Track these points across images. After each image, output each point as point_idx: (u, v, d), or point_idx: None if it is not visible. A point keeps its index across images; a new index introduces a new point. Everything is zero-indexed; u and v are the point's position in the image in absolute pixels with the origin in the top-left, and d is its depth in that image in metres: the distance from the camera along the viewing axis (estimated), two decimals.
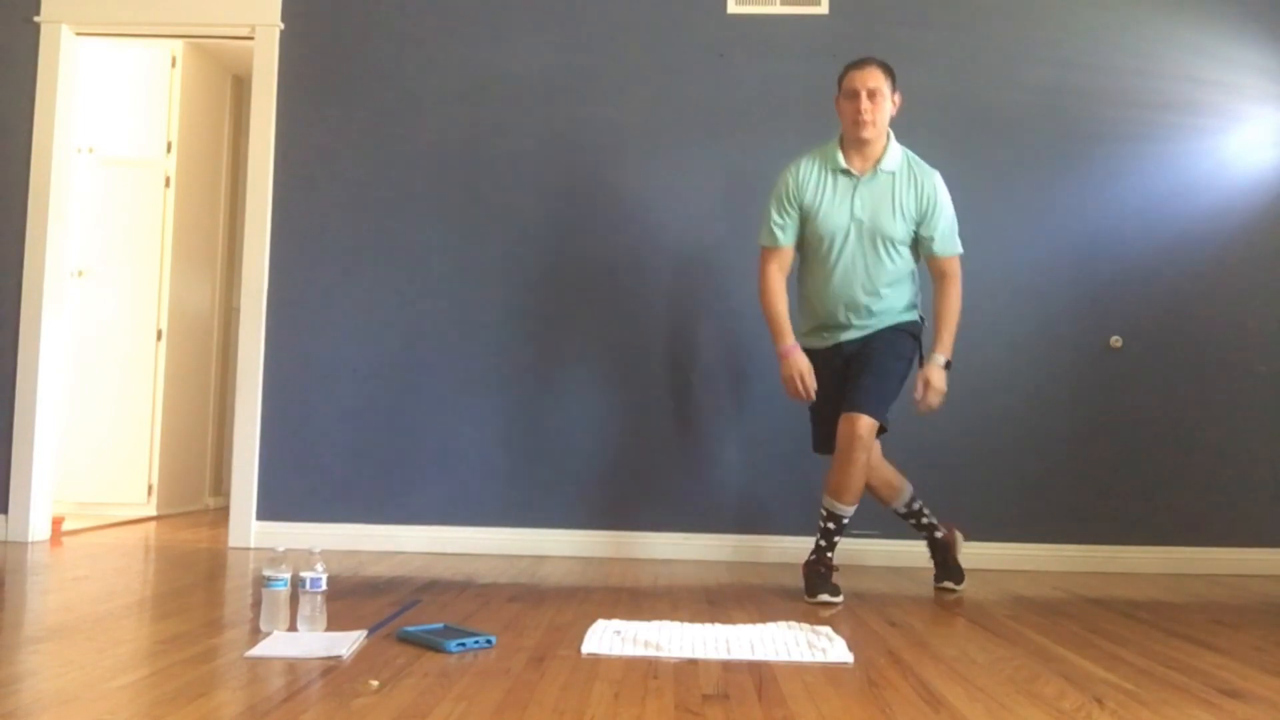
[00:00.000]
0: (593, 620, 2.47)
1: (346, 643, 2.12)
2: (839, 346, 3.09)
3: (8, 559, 3.38)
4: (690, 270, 3.85)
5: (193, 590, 2.83)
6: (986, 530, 3.73)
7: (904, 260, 3.06)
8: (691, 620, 2.52)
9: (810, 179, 3.05)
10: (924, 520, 3.21)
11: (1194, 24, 3.88)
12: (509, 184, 3.91)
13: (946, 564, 3.22)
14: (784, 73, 3.91)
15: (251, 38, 3.99)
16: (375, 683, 1.84)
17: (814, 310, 3.12)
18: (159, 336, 4.88)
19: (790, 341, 3.05)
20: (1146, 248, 3.82)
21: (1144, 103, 3.86)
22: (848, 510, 2.96)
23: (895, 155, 3.03)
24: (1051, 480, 3.76)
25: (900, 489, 3.16)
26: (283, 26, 3.97)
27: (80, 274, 4.82)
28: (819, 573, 2.95)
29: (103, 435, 4.79)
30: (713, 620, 2.53)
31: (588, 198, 3.89)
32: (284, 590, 2.27)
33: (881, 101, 2.98)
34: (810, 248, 3.09)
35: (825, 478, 2.99)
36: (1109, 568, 3.70)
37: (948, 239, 3.07)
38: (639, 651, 2.14)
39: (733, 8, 3.92)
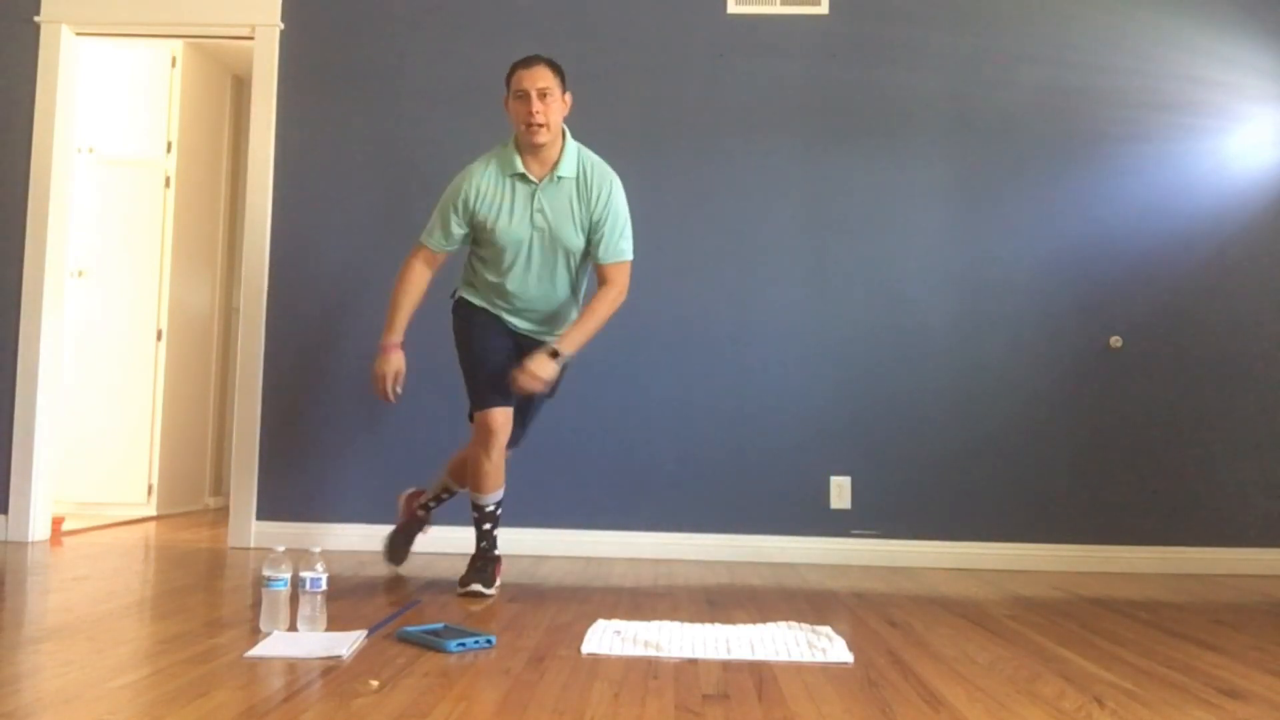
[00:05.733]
0: (593, 620, 2.47)
1: (346, 643, 2.12)
2: (516, 329, 3.01)
3: (8, 559, 3.38)
4: (691, 268, 3.85)
5: (193, 590, 2.83)
6: (986, 530, 3.74)
7: (577, 272, 2.97)
8: (691, 620, 2.52)
9: (488, 189, 2.89)
10: (431, 506, 3.27)
11: (1193, 24, 3.88)
12: None
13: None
14: (784, 73, 3.91)
15: (251, 38, 3.99)
16: (375, 683, 1.84)
17: (489, 300, 2.99)
18: (159, 336, 4.88)
19: (395, 340, 2.96)
20: (1146, 248, 3.82)
21: (1144, 103, 3.86)
22: (491, 499, 2.96)
23: (571, 160, 2.91)
24: (1051, 480, 3.76)
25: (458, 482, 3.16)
26: (283, 26, 3.97)
27: (80, 274, 4.82)
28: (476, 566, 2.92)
29: (103, 435, 4.79)
30: (713, 620, 2.53)
31: None
32: (284, 590, 2.27)
33: (553, 102, 2.84)
34: (487, 251, 2.95)
35: (468, 474, 2.98)
36: (1109, 568, 3.70)
37: (612, 247, 2.93)
38: (639, 651, 2.14)
39: (733, 8, 3.92)
